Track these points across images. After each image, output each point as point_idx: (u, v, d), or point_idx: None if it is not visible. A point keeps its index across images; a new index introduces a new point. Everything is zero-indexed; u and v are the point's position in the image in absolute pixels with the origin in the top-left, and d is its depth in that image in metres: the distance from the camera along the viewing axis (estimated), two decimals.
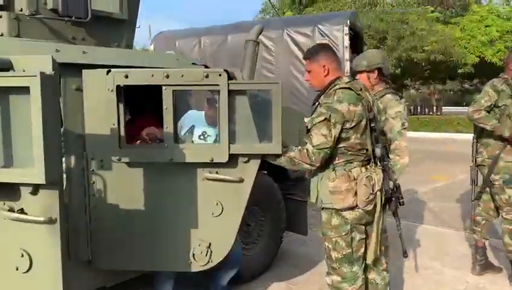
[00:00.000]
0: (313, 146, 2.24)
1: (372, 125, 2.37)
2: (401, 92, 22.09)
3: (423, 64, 17.69)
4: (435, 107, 26.99)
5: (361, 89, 2.37)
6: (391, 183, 2.44)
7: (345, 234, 2.37)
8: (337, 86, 2.32)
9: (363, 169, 2.35)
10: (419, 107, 26.41)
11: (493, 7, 18.95)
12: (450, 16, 19.22)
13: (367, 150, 2.36)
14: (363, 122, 2.31)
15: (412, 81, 24.12)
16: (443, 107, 29.63)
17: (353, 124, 2.27)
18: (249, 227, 3.60)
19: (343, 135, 2.28)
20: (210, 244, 2.40)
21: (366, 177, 2.31)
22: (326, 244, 2.43)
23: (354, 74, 3.28)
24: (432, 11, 17.63)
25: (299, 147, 2.31)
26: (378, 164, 2.40)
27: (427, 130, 17.62)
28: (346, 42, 6.72)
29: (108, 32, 3.08)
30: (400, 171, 2.94)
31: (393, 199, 2.46)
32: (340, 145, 2.31)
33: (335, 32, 6.79)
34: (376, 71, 3.13)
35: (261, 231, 3.64)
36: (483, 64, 17.91)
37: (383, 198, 2.40)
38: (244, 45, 3.39)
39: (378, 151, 2.38)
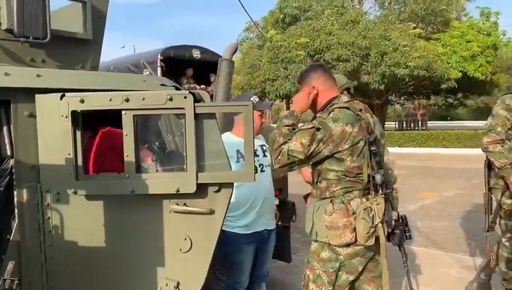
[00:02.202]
0: (287, 149, 2.10)
1: (372, 149, 2.19)
2: (386, 107, 22.22)
3: (407, 79, 17.81)
4: (420, 122, 27.15)
5: (361, 110, 2.24)
6: (395, 214, 2.24)
7: (332, 271, 2.17)
8: (334, 105, 2.20)
9: (364, 200, 2.17)
10: (404, 123, 26.54)
11: (473, 23, 19.28)
12: (432, 32, 19.49)
13: (368, 175, 2.18)
14: (361, 145, 2.15)
15: (396, 96, 24.30)
16: (428, 122, 29.84)
17: (346, 146, 2.12)
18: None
19: (337, 156, 2.15)
20: (178, 283, 2.16)
21: (364, 209, 2.12)
22: (308, 273, 2.24)
23: None
24: (414, 28, 17.84)
25: (286, 142, 2.13)
26: (380, 192, 2.21)
27: (413, 146, 17.61)
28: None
29: (71, 54, 2.88)
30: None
31: (398, 231, 2.26)
32: (336, 170, 2.16)
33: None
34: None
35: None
36: (465, 79, 18.10)
37: (386, 230, 2.21)
38: (218, 64, 3.22)
39: (378, 177, 2.17)
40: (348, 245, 2.14)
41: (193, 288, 2.19)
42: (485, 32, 18.79)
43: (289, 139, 2.12)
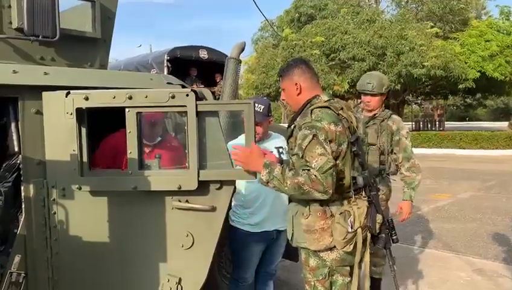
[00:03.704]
0: (317, 170, 1.87)
1: (353, 149, 2.07)
2: (402, 107, 21.96)
3: (423, 79, 17.57)
4: (437, 123, 26.74)
5: (342, 108, 2.09)
6: (379, 217, 2.13)
7: (322, 278, 2.07)
8: (314, 105, 2.07)
9: (345, 202, 2.05)
10: (421, 123, 26.17)
11: (493, 22, 18.89)
12: (450, 31, 19.16)
13: (353, 178, 2.06)
14: (344, 147, 2.01)
15: (413, 96, 23.98)
16: (446, 123, 29.35)
17: (335, 147, 1.97)
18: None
19: None
20: (180, 279, 2.19)
21: (341, 213, 2.00)
22: (307, 287, 2.15)
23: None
24: (431, 27, 17.58)
25: (306, 170, 1.89)
26: (363, 195, 2.10)
27: (429, 146, 17.37)
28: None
29: (80, 52, 2.93)
30: (417, 188, 3.20)
31: (383, 235, 2.17)
32: None
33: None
34: (386, 94, 3.27)
35: None
36: (484, 79, 17.75)
37: (368, 235, 2.10)
38: (226, 63, 3.24)
39: (360, 180, 2.05)
40: (330, 249, 2.03)
41: (195, 284, 2.22)
42: (504, 32, 18.39)
43: (303, 169, 1.90)
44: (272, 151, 2.73)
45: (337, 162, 1.99)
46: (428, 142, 17.83)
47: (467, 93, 22.18)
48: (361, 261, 2.10)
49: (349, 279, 2.10)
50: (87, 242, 2.23)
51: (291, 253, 3.76)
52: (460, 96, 26.12)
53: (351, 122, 2.10)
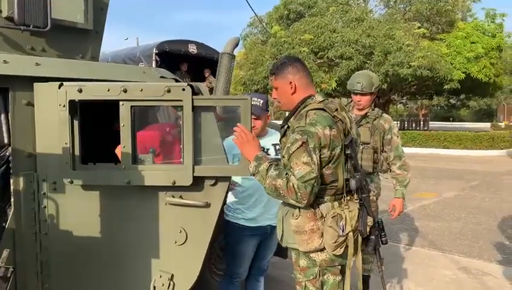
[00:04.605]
0: (297, 179, 1.85)
1: (347, 152, 2.02)
2: (388, 107, 22.16)
3: (410, 79, 17.74)
4: (422, 123, 27.08)
5: (336, 110, 2.03)
6: (370, 220, 2.11)
7: (313, 278, 2.04)
8: (308, 107, 2.02)
9: (336, 204, 2.01)
10: (406, 123, 26.47)
11: (478, 24, 19.14)
12: (436, 32, 19.37)
13: (346, 180, 2.03)
14: (337, 151, 1.97)
15: (399, 96, 24.22)
16: (430, 123, 29.75)
17: (328, 153, 1.94)
18: (223, 252, 3.38)
19: None
20: (172, 276, 2.17)
21: (333, 217, 1.96)
22: (298, 288, 2.13)
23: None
24: (419, 27, 17.74)
25: (287, 175, 1.89)
26: (355, 197, 2.06)
27: (414, 146, 17.57)
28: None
29: (71, 43, 2.87)
30: (408, 186, 3.28)
31: (373, 237, 2.15)
32: None
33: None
34: (376, 93, 3.30)
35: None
36: (469, 80, 18.01)
37: (359, 239, 2.07)
38: (219, 58, 3.21)
39: (353, 183, 2.00)
40: (320, 250, 2.00)
41: (187, 281, 2.20)
42: (490, 34, 18.67)
43: (286, 174, 1.90)
44: (268, 149, 2.74)
45: (329, 165, 1.97)
46: (413, 141, 18.03)
47: (451, 94, 22.46)
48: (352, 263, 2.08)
49: (340, 278, 2.08)
50: (78, 237, 2.19)
51: (281, 250, 3.77)
52: (444, 97, 26.45)
53: (345, 123, 2.05)
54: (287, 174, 1.90)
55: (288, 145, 1.94)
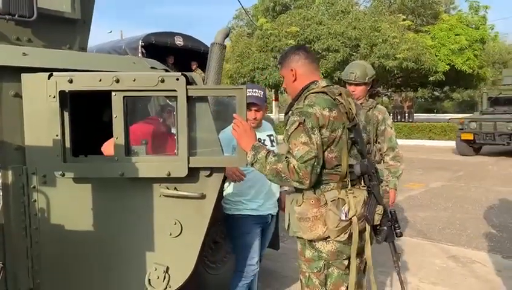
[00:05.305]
0: (297, 160, 1.86)
1: (351, 136, 2.01)
2: (374, 99, 22.29)
3: (395, 71, 17.88)
4: (407, 115, 27.35)
5: (340, 94, 2.03)
6: (379, 208, 2.04)
7: (317, 271, 2.02)
8: (311, 91, 2.04)
9: (343, 191, 1.98)
10: (391, 115, 26.72)
11: (462, 16, 19.36)
12: (421, 24, 19.53)
13: (350, 166, 2.00)
14: (339, 133, 1.96)
15: (384, 88, 24.39)
16: (415, 114, 30.07)
17: (327, 133, 1.93)
18: (216, 244, 3.36)
19: None
20: (168, 268, 2.14)
21: (332, 200, 1.94)
22: (301, 277, 2.12)
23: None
24: (404, 19, 17.86)
25: (287, 158, 1.90)
26: (362, 183, 2.03)
27: (400, 137, 17.73)
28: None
29: (58, 33, 2.79)
30: (400, 177, 3.27)
31: (385, 227, 2.07)
32: None
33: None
34: (371, 83, 3.29)
35: (231, 248, 3.39)
36: (453, 72, 18.23)
37: (367, 227, 2.02)
38: (210, 48, 3.16)
39: (357, 168, 1.98)
40: (325, 239, 1.98)
41: (182, 273, 2.17)
42: (473, 26, 18.91)
43: (286, 157, 1.90)
44: (264, 140, 2.72)
45: (332, 148, 1.96)
46: (399, 133, 18.17)
47: (436, 86, 22.75)
48: (362, 254, 2.05)
49: (346, 271, 2.04)
50: (70, 231, 2.14)
51: (273, 241, 3.77)
52: (429, 89, 26.74)
53: (350, 108, 2.03)
54: (286, 157, 1.90)
55: (287, 128, 1.95)
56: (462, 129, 12.64)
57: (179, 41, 9.17)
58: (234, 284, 2.78)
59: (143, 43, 8.64)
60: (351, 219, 1.96)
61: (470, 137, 12.32)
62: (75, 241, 2.15)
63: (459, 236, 5.12)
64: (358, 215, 1.98)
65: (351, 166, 2.00)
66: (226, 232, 2.96)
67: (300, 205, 2.00)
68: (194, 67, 9.08)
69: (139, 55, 8.54)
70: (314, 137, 1.89)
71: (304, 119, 1.90)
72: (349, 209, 1.95)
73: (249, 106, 2.57)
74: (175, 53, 9.20)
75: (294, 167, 1.86)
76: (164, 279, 2.14)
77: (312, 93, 2.01)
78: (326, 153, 1.95)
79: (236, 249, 2.80)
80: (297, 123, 1.91)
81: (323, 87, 2.05)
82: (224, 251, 3.39)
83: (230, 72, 18.98)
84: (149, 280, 2.14)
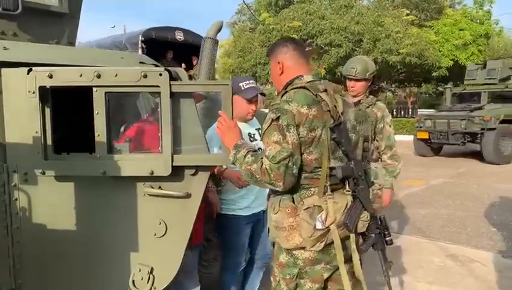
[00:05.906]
0: (269, 160, 1.73)
1: (333, 136, 1.81)
2: (377, 94, 22.16)
3: (399, 67, 17.73)
4: (410, 110, 27.17)
5: (325, 90, 1.85)
6: (365, 215, 1.86)
7: (289, 278, 1.89)
8: (293, 86, 1.89)
9: (322, 198, 1.82)
10: (394, 110, 26.55)
11: (467, 11, 19.14)
12: (425, 19, 19.33)
13: (331, 169, 1.83)
14: (318, 132, 1.79)
15: (387, 84, 24.23)
16: (419, 110, 29.88)
17: (305, 132, 1.77)
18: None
19: None
20: (152, 269, 2.08)
21: (306, 209, 1.79)
22: (271, 279, 2.02)
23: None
24: (407, 14, 17.67)
25: (262, 158, 1.78)
26: (347, 188, 1.84)
27: (402, 133, 17.60)
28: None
29: (45, 27, 2.73)
30: (398, 176, 3.19)
31: (373, 235, 1.90)
32: None
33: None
34: (371, 79, 3.19)
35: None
36: (457, 68, 18.04)
37: (352, 234, 1.85)
38: (202, 43, 3.10)
39: (339, 171, 1.80)
40: (302, 248, 1.84)
41: (167, 274, 2.11)
42: (478, 21, 18.68)
43: (261, 158, 1.78)
44: (254, 134, 2.68)
45: (311, 149, 1.80)
46: (402, 129, 18.05)
47: (440, 81, 22.53)
48: (350, 262, 1.88)
49: (318, 286, 1.89)
50: (52, 230, 2.09)
51: None
52: (432, 84, 26.51)
53: (335, 106, 1.85)
54: (262, 158, 1.79)
55: (263, 126, 1.84)
56: (418, 127, 11.73)
57: (179, 36, 9.12)
58: (227, 280, 2.83)
59: (143, 38, 8.59)
60: (328, 227, 1.80)
61: (426, 136, 11.42)
62: (57, 241, 2.10)
63: (459, 234, 5.05)
64: (338, 222, 1.81)
65: (332, 169, 1.83)
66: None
67: (276, 213, 1.87)
68: (195, 62, 9.01)
69: (140, 50, 8.49)
70: (289, 135, 1.75)
71: (278, 116, 1.77)
72: (326, 217, 1.79)
73: (253, 98, 2.61)
74: (175, 48, 9.15)
75: (266, 167, 1.74)
76: (148, 280, 2.09)
77: (293, 88, 1.87)
78: (305, 154, 1.80)
79: (226, 247, 2.83)
80: (270, 121, 1.79)
81: (307, 82, 1.89)
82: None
83: (232, 67, 18.89)
84: (133, 281, 2.09)
